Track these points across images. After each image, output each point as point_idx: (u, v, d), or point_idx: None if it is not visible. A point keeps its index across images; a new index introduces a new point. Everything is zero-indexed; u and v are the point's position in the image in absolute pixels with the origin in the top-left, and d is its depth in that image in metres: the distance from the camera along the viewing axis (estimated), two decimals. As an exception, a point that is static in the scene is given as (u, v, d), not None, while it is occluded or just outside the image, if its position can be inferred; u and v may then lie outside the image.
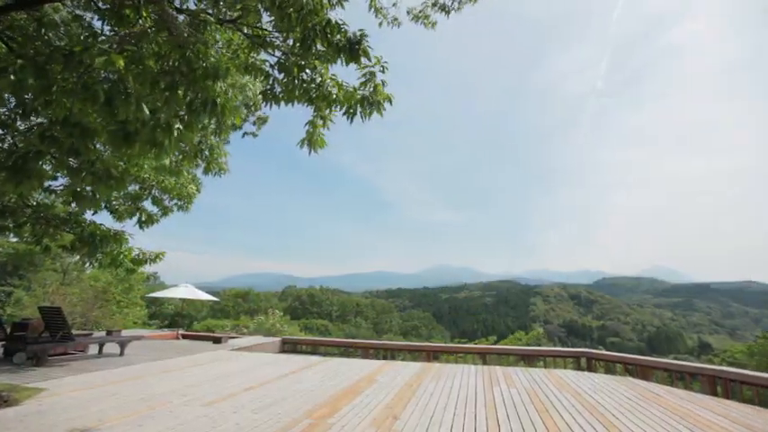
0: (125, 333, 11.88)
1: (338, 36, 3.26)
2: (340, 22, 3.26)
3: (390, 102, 3.61)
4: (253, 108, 6.11)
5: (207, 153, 5.45)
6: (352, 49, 3.29)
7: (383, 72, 3.52)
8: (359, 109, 3.69)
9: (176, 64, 3.11)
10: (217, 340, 12.04)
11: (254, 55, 3.49)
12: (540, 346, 16.63)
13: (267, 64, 3.50)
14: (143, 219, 7.28)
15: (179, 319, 16.23)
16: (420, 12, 4.80)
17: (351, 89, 3.68)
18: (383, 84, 3.60)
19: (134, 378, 6.57)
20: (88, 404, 4.86)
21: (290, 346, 12.11)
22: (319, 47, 3.26)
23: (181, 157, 5.43)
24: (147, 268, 7.75)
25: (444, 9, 4.75)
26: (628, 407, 5.12)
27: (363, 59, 3.36)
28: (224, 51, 3.40)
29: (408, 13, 4.81)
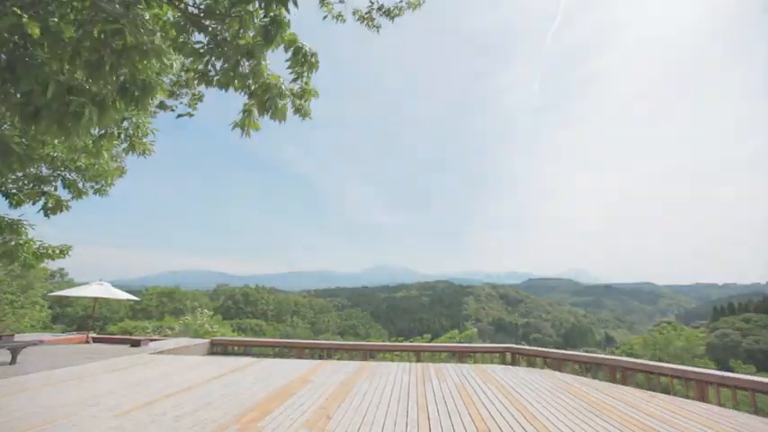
0: (19, 337, 10.35)
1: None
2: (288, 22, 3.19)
3: (317, 95, 3.73)
4: (186, 84, 5.65)
5: (131, 131, 4.92)
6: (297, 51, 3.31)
7: (313, 68, 3.55)
8: (291, 111, 3.72)
9: (103, 37, 2.76)
10: (135, 343, 10.98)
11: (186, 35, 3.23)
12: (471, 343, 17.61)
13: (200, 45, 3.28)
14: (50, 204, 6.38)
15: (90, 322, 14.50)
16: (366, 14, 4.83)
17: (287, 89, 3.64)
18: (311, 92, 3.72)
19: (29, 389, 5.74)
20: (-34, 421, 4.16)
21: (219, 348, 11.43)
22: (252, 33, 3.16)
23: (101, 133, 4.86)
24: (52, 264, 6.83)
25: (389, 14, 4.84)
26: (544, 396, 5.60)
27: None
28: (150, 25, 3.10)
29: (354, 13, 4.81)
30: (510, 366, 8.73)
